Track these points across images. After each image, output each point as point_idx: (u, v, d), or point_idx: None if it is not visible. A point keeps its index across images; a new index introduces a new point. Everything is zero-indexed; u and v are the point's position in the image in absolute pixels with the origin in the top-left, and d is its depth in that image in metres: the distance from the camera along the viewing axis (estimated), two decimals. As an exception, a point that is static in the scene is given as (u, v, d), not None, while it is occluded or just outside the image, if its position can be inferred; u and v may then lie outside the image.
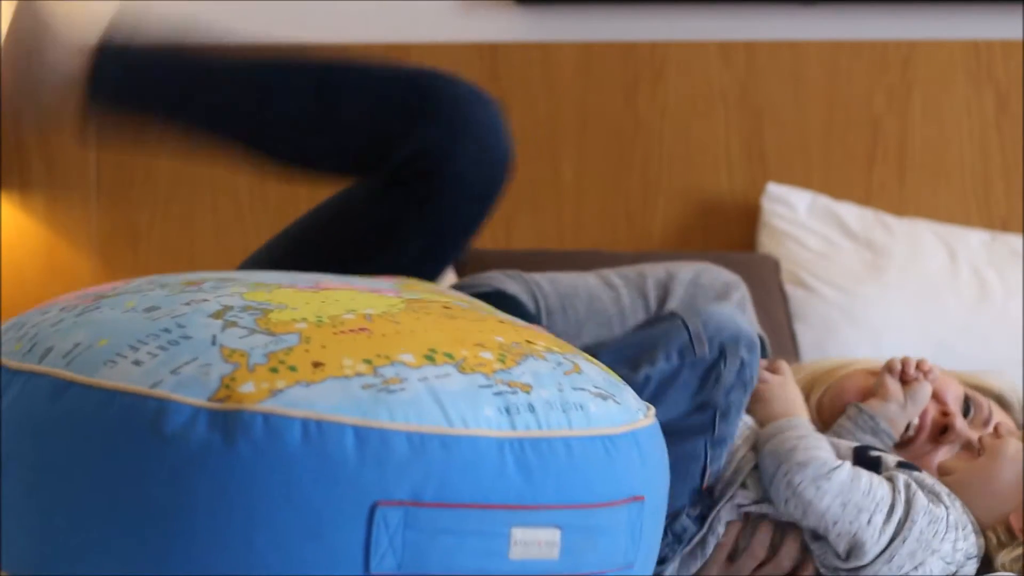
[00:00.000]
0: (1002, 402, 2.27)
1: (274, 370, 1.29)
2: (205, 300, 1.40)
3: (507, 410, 1.34)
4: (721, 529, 1.88)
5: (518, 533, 1.33)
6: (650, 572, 1.50)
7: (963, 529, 1.87)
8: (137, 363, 1.31)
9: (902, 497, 1.84)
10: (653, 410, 1.53)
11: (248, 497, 1.25)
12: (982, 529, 1.91)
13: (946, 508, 1.86)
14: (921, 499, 1.84)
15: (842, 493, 1.82)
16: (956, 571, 1.87)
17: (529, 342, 1.45)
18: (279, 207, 3.29)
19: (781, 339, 2.86)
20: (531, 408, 1.36)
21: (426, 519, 1.29)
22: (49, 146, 3.31)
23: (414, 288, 1.56)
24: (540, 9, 3.25)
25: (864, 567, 1.83)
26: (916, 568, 1.83)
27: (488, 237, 3.24)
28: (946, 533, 1.85)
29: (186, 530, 1.26)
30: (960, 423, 2.13)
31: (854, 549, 1.83)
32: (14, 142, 3.31)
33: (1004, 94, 3.15)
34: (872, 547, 1.82)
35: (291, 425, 1.26)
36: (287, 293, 1.44)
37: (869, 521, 1.82)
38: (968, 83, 3.16)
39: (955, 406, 2.15)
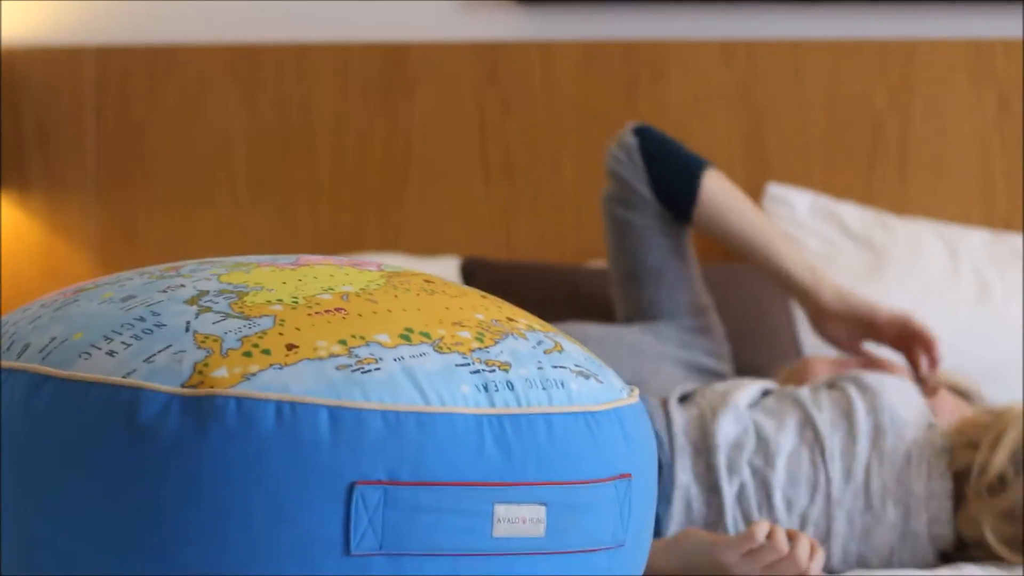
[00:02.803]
0: (963, 393, 2.47)
1: (247, 354, 1.29)
2: (181, 286, 1.40)
3: (485, 388, 1.34)
4: None
5: (501, 510, 1.33)
6: (645, 550, 1.50)
7: None
8: (111, 354, 1.32)
9: None
10: (637, 391, 1.52)
11: (223, 483, 1.26)
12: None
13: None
14: None
15: None
16: None
17: (510, 319, 1.45)
18: (279, 207, 3.29)
19: (784, 342, 2.86)
20: (510, 386, 1.36)
21: (405, 498, 1.28)
22: (49, 146, 3.31)
23: (395, 266, 1.57)
24: (540, 9, 3.25)
25: None
26: None
27: (488, 236, 3.25)
28: None
29: (163, 518, 1.26)
30: None
31: None
32: (14, 142, 3.32)
33: (1005, 93, 3.15)
34: None
35: (264, 408, 1.26)
36: (265, 273, 1.43)
37: None
38: (969, 82, 3.16)
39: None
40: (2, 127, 3.30)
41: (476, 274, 2.99)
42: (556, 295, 2.90)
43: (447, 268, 3.08)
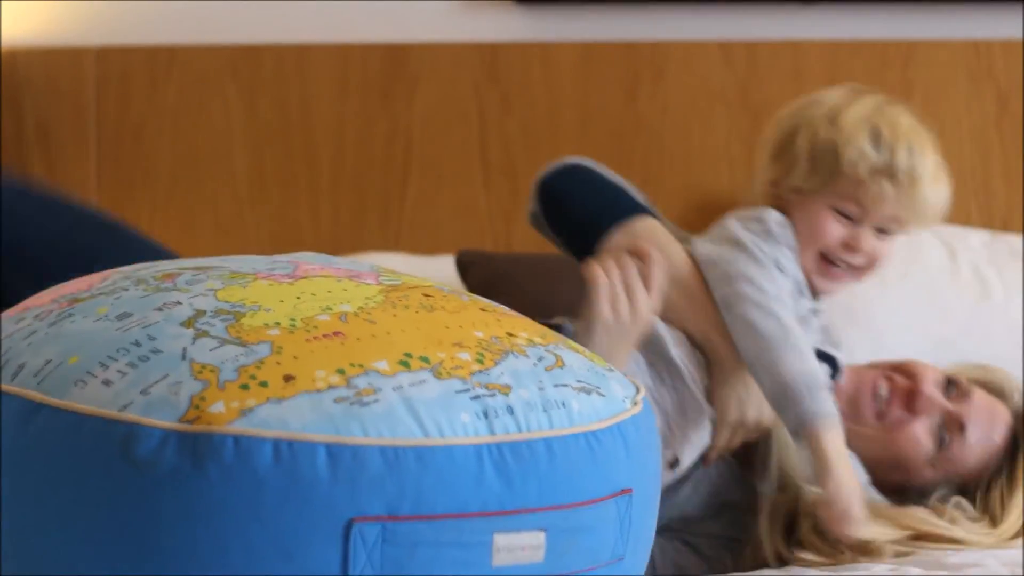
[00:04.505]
0: (998, 391, 2.35)
1: (244, 387, 1.28)
2: (178, 303, 1.39)
3: (485, 414, 1.34)
4: None
5: (500, 540, 1.32)
6: (644, 561, 1.49)
7: None
8: (107, 383, 1.30)
9: None
10: (643, 393, 1.51)
11: (220, 522, 1.25)
12: None
13: None
14: None
15: None
16: None
17: (510, 335, 1.44)
18: (280, 206, 3.29)
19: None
20: (510, 410, 1.35)
21: (404, 533, 1.28)
22: (49, 146, 3.31)
23: (393, 273, 1.55)
24: (540, 9, 3.25)
25: None
26: None
27: (488, 236, 3.24)
28: None
29: (158, 558, 1.25)
30: (929, 389, 2.25)
31: None
32: (14, 142, 3.32)
33: (1004, 94, 3.14)
34: None
35: (262, 446, 1.25)
36: (263, 288, 1.42)
37: None
38: (968, 83, 3.15)
39: (930, 380, 2.28)
40: (2, 127, 3.30)
41: (472, 267, 2.98)
42: (553, 285, 2.89)
43: (447, 267, 3.08)
